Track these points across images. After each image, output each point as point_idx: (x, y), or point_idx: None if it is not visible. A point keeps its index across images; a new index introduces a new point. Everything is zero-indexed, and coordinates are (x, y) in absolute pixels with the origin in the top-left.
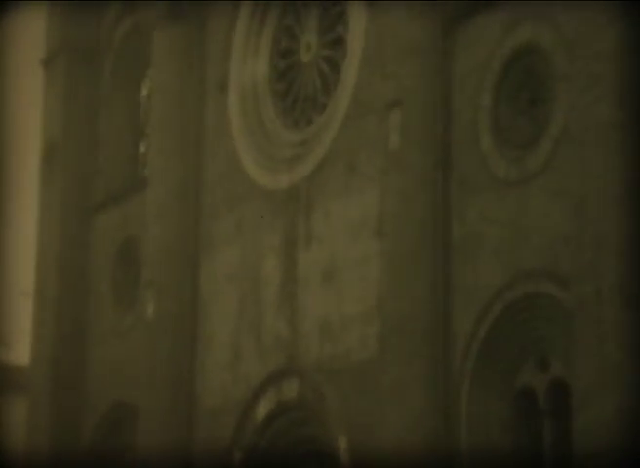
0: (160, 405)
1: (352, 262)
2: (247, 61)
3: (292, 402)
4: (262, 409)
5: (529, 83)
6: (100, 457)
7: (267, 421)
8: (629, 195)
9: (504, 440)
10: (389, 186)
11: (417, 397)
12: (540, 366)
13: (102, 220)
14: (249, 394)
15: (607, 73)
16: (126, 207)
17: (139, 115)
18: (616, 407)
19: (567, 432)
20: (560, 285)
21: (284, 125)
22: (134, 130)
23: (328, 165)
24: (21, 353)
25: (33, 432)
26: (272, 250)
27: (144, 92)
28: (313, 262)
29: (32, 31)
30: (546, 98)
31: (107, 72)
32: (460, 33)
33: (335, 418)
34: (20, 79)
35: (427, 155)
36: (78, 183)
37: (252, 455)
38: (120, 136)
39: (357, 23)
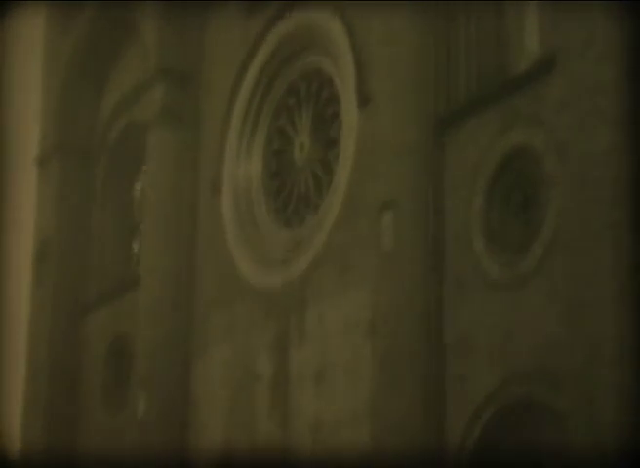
0: None
1: (345, 362)
2: (240, 162)
3: None
4: None
5: (521, 185)
6: None
7: None
8: (622, 299)
9: None
10: (382, 287)
11: None
12: None
13: (94, 319)
14: None
15: (599, 176)
16: (118, 305)
17: (132, 213)
18: None
19: None
20: (553, 388)
21: (277, 225)
22: (127, 228)
23: (321, 265)
24: (10, 452)
25: None
26: (265, 349)
27: (138, 190)
28: (306, 362)
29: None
30: (538, 201)
31: (101, 171)
32: (453, 135)
33: None
34: (14, 176)
35: (420, 256)
36: (70, 282)
37: None
38: (113, 234)
39: (350, 125)
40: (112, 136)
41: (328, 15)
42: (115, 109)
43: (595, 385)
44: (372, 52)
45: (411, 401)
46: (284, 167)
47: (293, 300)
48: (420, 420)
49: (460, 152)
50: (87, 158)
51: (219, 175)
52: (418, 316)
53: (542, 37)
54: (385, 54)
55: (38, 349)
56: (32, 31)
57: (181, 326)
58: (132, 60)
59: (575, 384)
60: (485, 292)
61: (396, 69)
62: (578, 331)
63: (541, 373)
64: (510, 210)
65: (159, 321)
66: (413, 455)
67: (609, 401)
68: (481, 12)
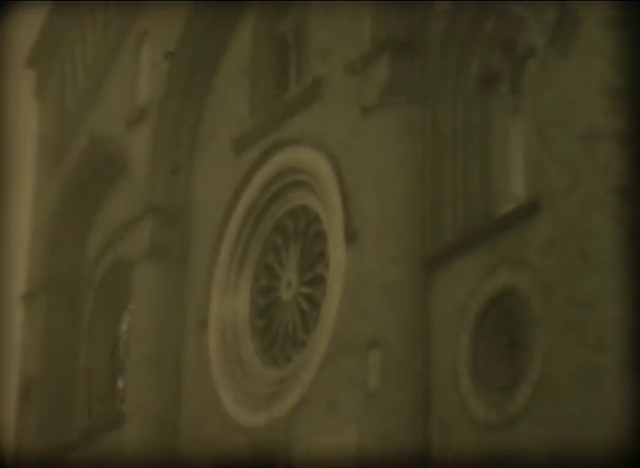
0: None
1: None
2: (227, 299)
3: None
4: None
5: (507, 326)
6: None
7: None
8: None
9: None
10: (369, 426)
11: None
12: None
13: (78, 458)
14: None
15: (585, 319)
16: (103, 443)
17: (118, 350)
18: None
19: None
20: None
21: (263, 362)
22: (112, 365)
23: (307, 403)
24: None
25: None
26: None
27: (124, 327)
28: None
29: None
30: (525, 342)
31: (88, 308)
32: (439, 275)
33: None
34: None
35: (407, 396)
36: (54, 420)
37: None
38: (98, 371)
39: (337, 262)
40: (99, 272)
41: (314, 153)
42: (102, 246)
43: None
44: (358, 190)
45: None
46: (271, 304)
47: (278, 439)
48: None
49: (446, 292)
50: (74, 295)
51: (205, 311)
52: (404, 458)
53: (527, 180)
54: (372, 193)
55: None
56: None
57: (166, 463)
58: (120, 197)
59: None
60: (472, 432)
61: (383, 208)
62: None
63: None
64: (497, 350)
65: (144, 459)
66: None
67: None
68: (467, 154)
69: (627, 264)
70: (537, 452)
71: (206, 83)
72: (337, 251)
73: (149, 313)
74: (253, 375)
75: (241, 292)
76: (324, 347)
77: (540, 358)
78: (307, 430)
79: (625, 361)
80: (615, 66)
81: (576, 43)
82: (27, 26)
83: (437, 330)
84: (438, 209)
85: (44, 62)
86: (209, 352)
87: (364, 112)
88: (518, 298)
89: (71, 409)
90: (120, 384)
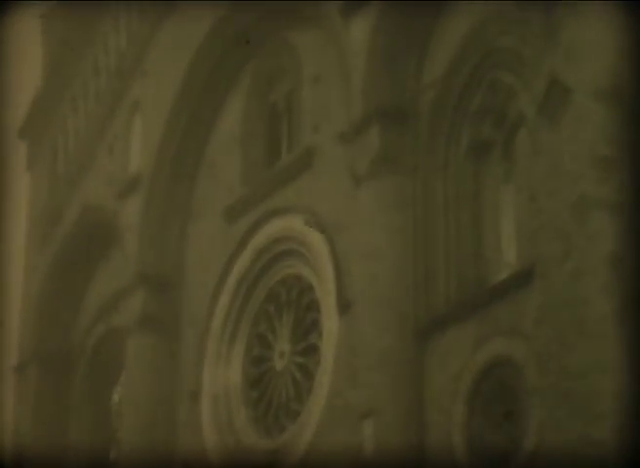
0: None
1: None
2: (220, 368)
3: None
4: None
5: (502, 396)
6: None
7: None
8: None
9: None
10: None
11: None
12: None
13: None
14: None
15: (579, 390)
16: None
17: (110, 420)
18: None
19: None
20: None
21: (257, 433)
22: (104, 435)
23: None
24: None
25: None
26: None
27: (116, 397)
28: None
29: None
30: (520, 413)
31: (79, 378)
32: (433, 344)
33: None
34: None
35: (402, 465)
36: None
37: None
38: (90, 442)
39: (330, 332)
40: (91, 343)
41: (307, 223)
42: (94, 316)
43: None
44: (351, 259)
45: None
46: (264, 374)
47: None
48: None
49: (440, 361)
50: (65, 366)
51: (198, 382)
52: None
53: (520, 249)
54: (365, 262)
55: None
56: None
57: None
58: (112, 267)
59: None
60: None
61: (375, 277)
62: None
63: None
64: (492, 420)
65: None
66: None
67: None
68: (459, 223)
69: (621, 334)
70: None
71: (197, 152)
72: (330, 320)
73: (141, 383)
74: (246, 446)
75: (234, 361)
76: (318, 417)
77: (535, 428)
78: None
79: (621, 432)
80: (605, 136)
81: (566, 112)
82: (18, 101)
83: (431, 399)
84: (431, 278)
85: (36, 133)
86: (202, 422)
87: (356, 181)
88: (512, 368)
89: None
90: (112, 455)
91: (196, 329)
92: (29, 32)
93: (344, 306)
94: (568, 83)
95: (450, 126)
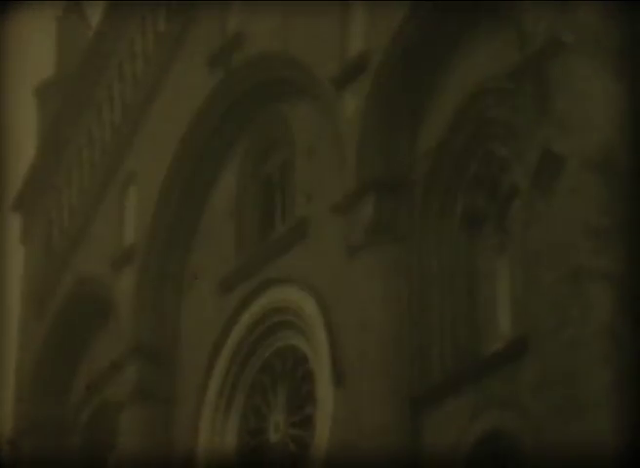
0: None
1: None
2: (214, 440)
3: None
4: None
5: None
6: None
7: None
8: None
9: None
10: None
11: None
12: None
13: None
14: None
15: (575, 459)
16: None
17: None
18: None
19: None
20: None
21: None
22: None
23: None
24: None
25: None
26: None
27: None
28: None
29: None
30: None
31: (74, 450)
32: (428, 415)
33: None
34: None
35: None
36: None
37: None
38: None
39: (325, 403)
40: (85, 414)
41: (301, 293)
42: (88, 388)
43: None
44: (346, 330)
45: None
46: (259, 446)
47: None
48: None
49: (435, 432)
50: (60, 437)
51: (192, 453)
52: None
53: (515, 319)
54: (359, 332)
55: None
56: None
57: None
58: (106, 338)
59: None
60: None
61: (370, 348)
62: None
63: None
64: None
65: None
66: None
67: None
68: (453, 293)
69: (616, 405)
70: None
71: (192, 223)
72: (325, 391)
73: (136, 455)
74: None
75: (228, 433)
76: None
77: None
78: None
79: None
80: (599, 206)
81: (559, 183)
82: (12, 174)
83: None
84: (425, 348)
85: (30, 206)
86: None
87: (350, 252)
88: (508, 440)
89: None
90: None
91: (191, 400)
92: (24, 106)
93: (339, 377)
94: (561, 153)
95: (444, 196)
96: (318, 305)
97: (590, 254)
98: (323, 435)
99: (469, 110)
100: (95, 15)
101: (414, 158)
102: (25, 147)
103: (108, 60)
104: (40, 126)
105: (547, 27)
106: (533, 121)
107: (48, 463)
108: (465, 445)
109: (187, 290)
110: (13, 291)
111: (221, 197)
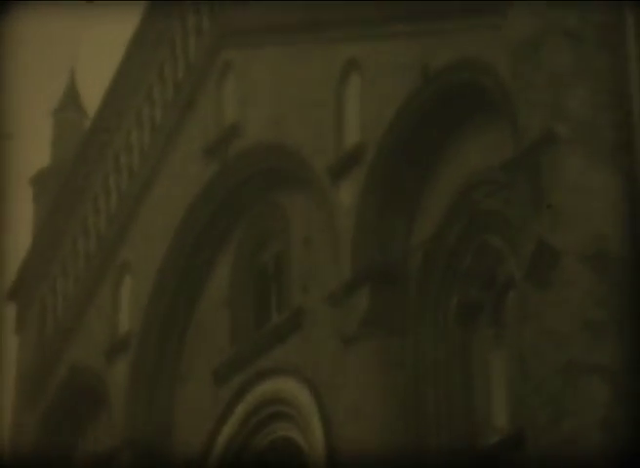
0: None
1: None
2: None
3: None
4: None
5: None
6: None
7: None
8: None
9: None
10: None
11: None
12: None
13: None
14: None
15: None
16: None
17: None
18: None
19: None
20: None
21: None
22: None
23: None
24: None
25: None
26: None
27: None
28: None
29: None
30: None
31: None
32: None
33: None
34: None
35: None
36: None
37: None
38: None
39: None
40: None
41: (296, 384)
42: None
43: None
44: (341, 421)
45: None
46: None
47: None
48: None
49: None
50: None
51: None
52: None
53: (511, 412)
54: (354, 424)
55: None
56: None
57: None
58: (99, 429)
59: None
60: None
61: (365, 438)
62: None
63: None
64: None
65: None
66: None
67: None
68: (449, 385)
69: None
70: None
71: (186, 313)
72: None
73: None
74: None
75: None
76: None
77: None
78: None
79: None
80: (594, 300)
81: (554, 276)
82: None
83: None
84: (420, 441)
85: (25, 295)
86: None
87: (345, 343)
88: None
89: None
90: None
91: None
92: (21, 198)
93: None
94: (556, 246)
95: (439, 288)
96: (313, 396)
97: (586, 348)
98: None
99: (464, 202)
100: (91, 106)
101: (409, 249)
102: (21, 236)
103: (105, 151)
104: (36, 215)
105: (541, 120)
106: (527, 213)
107: None
108: None
109: (181, 380)
110: (6, 381)
111: (216, 287)
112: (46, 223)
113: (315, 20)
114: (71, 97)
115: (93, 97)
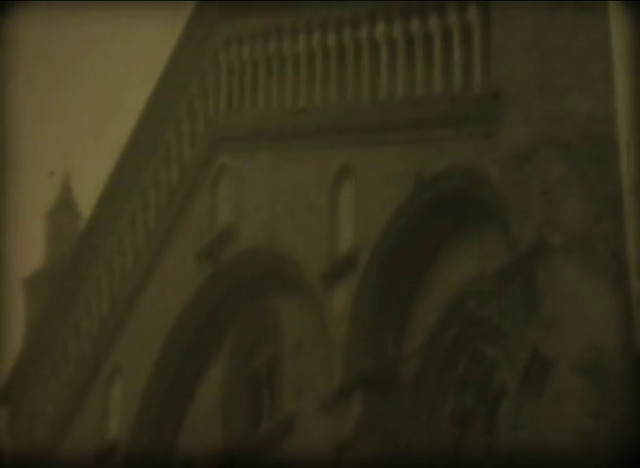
0: None
1: None
2: None
3: None
4: None
5: None
6: None
7: None
8: None
9: None
10: None
11: None
12: None
13: None
14: None
15: None
16: None
17: None
18: None
19: None
20: None
21: None
22: None
23: None
24: None
25: None
26: None
27: None
28: None
29: None
30: None
31: None
32: None
33: None
34: None
35: None
36: None
37: None
38: None
39: None
40: None
41: None
42: None
43: None
44: None
45: None
46: None
47: None
48: None
49: None
50: None
51: None
52: None
53: None
54: None
55: None
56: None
57: None
58: None
59: None
60: None
61: None
62: None
63: None
64: None
65: None
66: None
67: None
68: None
69: None
70: None
71: (178, 418)
72: None
73: None
74: None
75: None
76: None
77: None
78: None
79: None
80: (587, 410)
81: (547, 385)
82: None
83: None
84: None
85: (16, 398)
86: None
87: (338, 449)
88: None
89: None
90: None
91: None
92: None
93: None
94: (549, 355)
95: (432, 395)
96: None
97: (580, 458)
98: None
99: (457, 309)
100: (86, 209)
101: (402, 356)
102: (13, 338)
103: (98, 254)
104: (28, 316)
105: (535, 229)
106: (521, 322)
107: None
108: None
109: None
110: None
111: (208, 392)
112: (38, 325)
113: (309, 126)
114: (65, 200)
115: (87, 199)
